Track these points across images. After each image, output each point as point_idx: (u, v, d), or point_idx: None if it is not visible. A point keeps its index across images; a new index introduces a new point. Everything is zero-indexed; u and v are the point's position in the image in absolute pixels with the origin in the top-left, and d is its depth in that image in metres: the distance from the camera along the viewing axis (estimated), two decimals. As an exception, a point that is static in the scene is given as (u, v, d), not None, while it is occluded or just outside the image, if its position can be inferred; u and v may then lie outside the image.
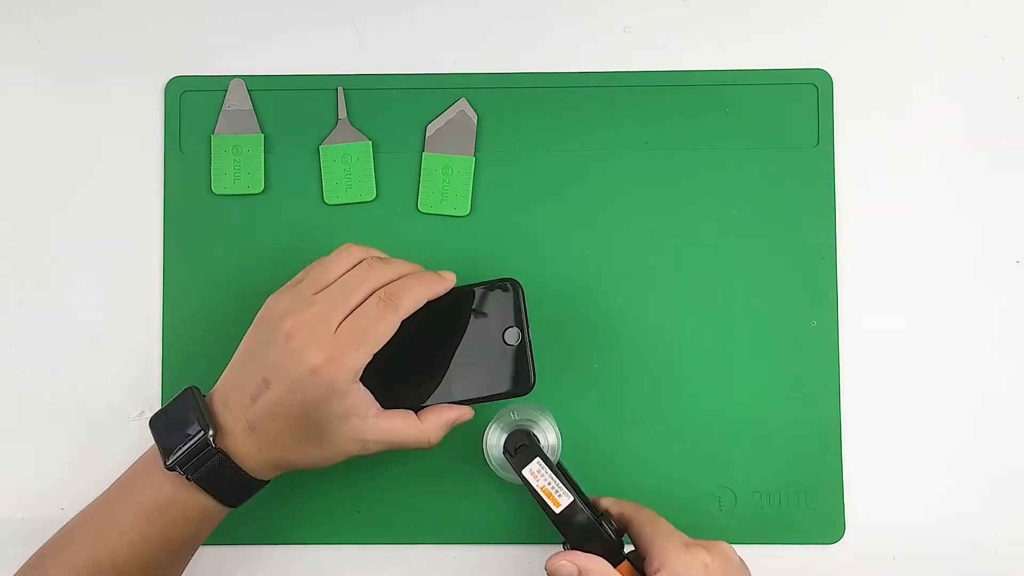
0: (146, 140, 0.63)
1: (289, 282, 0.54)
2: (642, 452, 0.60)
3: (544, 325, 0.60)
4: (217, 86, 0.62)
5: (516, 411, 0.57)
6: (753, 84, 0.62)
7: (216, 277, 0.61)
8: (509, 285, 0.55)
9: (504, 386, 0.55)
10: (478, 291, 0.55)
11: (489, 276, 0.55)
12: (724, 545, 0.52)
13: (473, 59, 0.63)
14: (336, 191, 0.62)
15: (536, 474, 0.52)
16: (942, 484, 0.61)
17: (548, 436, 0.56)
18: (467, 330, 0.55)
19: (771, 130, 0.62)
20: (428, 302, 0.53)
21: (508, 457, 0.54)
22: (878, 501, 0.61)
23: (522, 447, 0.53)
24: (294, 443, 0.52)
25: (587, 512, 0.51)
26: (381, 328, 0.51)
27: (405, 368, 0.54)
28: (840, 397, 0.61)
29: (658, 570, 0.49)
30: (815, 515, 0.60)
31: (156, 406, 0.61)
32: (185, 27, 0.63)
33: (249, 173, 0.62)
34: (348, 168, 0.62)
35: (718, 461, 0.60)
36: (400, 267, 0.53)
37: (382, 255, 0.54)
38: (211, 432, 0.51)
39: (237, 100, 0.62)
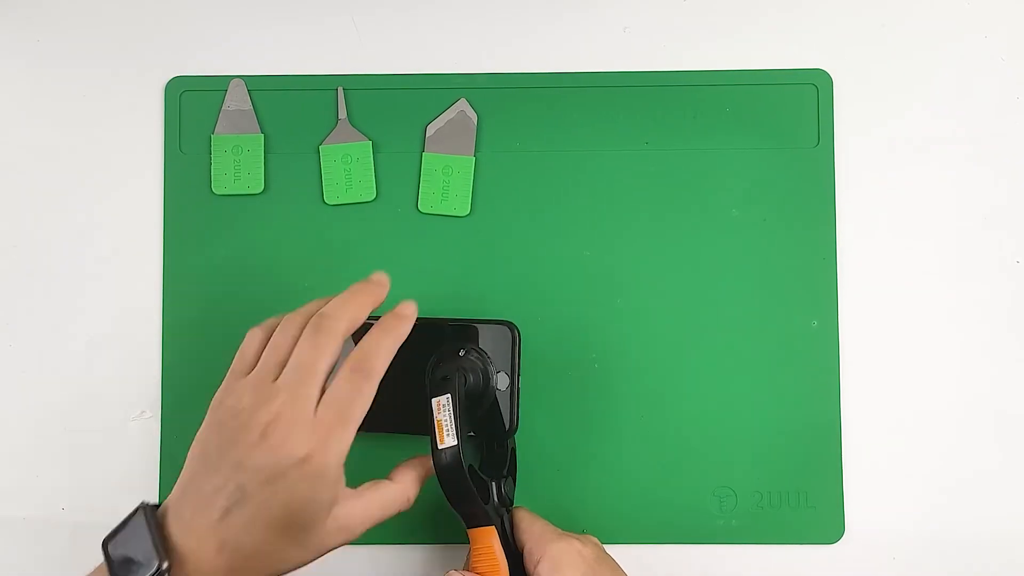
0: (146, 140, 0.63)
1: (230, 374, 0.49)
2: (642, 451, 0.60)
3: (544, 325, 0.60)
4: (217, 86, 0.62)
5: (470, 351, 0.55)
6: (753, 84, 0.62)
7: (216, 277, 0.61)
8: (508, 329, 0.55)
9: (484, 428, 0.54)
10: (476, 328, 0.54)
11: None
12: (594, 538, 0.55)
13: (473, 59, 0.63)
14: (336, 191, 0.62)
15: (440, 406, 0.51)
16: (942, 484, 0.61)
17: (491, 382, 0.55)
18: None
19: (771, 130, 0.62)
20: (421, 335, 0.50)
21: (429, 381, 0.53)
22: (878, 501, 0.61)
23: (444, 379, 0.52)
24: (274, 551, 0.46)
25: (463, 466, 0.50)
26: (361, 400, 0.47)
27: (385, 395, 0.49)
28: (840, 397, 0.61)
29: (539, 560, 0.51)
30: (815, 515, 0.60)
31: (156, 406, 0.61)
32: (185, 27, 0.63)
33: (249, 173, 0.62)
34: (348, 168, 0.62)
35: (718, 461, 0.60)
36: (334, 303, 0.49)
37: (301, 311, 0.50)
38: (166, 564, 0.44)
39: (237, 100, 0.62)
